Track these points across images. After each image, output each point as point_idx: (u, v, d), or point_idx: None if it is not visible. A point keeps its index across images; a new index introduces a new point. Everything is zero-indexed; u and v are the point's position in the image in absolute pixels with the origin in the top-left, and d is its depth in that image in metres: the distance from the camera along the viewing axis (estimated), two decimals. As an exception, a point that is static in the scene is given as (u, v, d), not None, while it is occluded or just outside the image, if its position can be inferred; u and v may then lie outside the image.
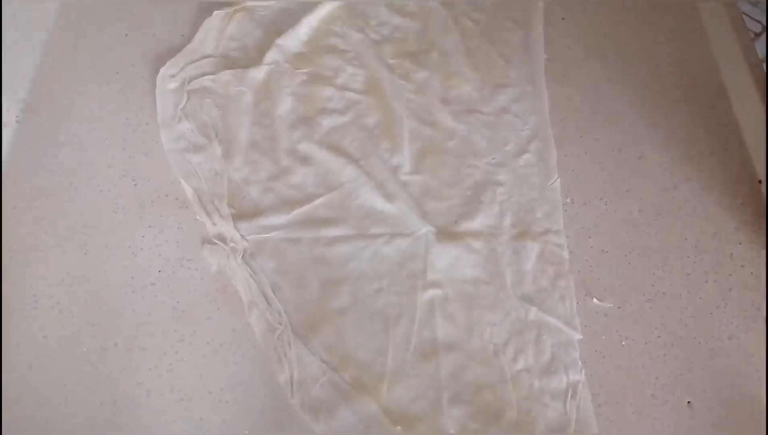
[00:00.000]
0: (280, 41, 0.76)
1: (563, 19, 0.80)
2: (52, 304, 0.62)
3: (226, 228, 0.65)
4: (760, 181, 0.68)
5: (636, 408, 0.58)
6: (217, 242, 0.65)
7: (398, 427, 0.56)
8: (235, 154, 0.70)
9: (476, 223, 0.66)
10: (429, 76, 0.75)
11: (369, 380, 0.59)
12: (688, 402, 0.59)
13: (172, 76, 0.74)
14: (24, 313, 0.61)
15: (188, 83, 0.73)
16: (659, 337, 0.61)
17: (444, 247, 0.65)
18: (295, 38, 0.77)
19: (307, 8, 0.78)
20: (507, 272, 0.64)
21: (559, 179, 0.68)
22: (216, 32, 0.77)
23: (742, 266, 0.64)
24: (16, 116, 0.71)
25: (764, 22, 1.43)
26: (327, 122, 0.72)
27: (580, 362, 0.60)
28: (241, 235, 0.65)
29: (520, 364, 0.59)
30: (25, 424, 0.57)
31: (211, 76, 0.74)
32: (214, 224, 0.66)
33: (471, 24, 0.79)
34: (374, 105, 0.73)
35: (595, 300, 0.63)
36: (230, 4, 0.79)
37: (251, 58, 0.76)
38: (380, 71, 0.75)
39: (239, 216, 0.66)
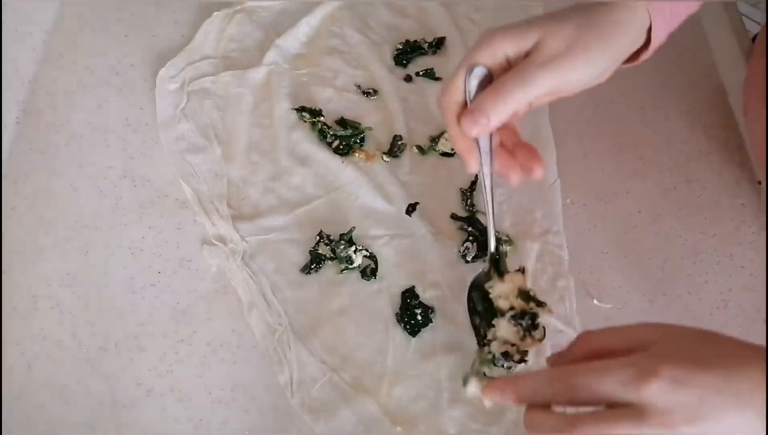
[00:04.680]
0: (279, 42, 0.76)
1: (563, 20, 0.80)
2: (52, 304, 0.62)
3: (226, 229, 0.65)
4: (759, 182, 0.68)
5: (636, 408, 0.58)
6: (217, 243, 0.65)
7: (398, 428, 0.56)
8: (234, 155, 0.70)
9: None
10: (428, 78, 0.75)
11: (369, 380, 0.59)
12: (688, 402, 0.59)
13: (172, 77, 0.74)
14: (24, 313, 0.61)
15: (188, 84, 0.73)
16: (659, 337, 0.61)
17: (443, 247, 0.65)
18: (295, 39, 0.77)
19: (307, 9, 0.78)
20: (507, 273, 0.64)
21: (558, 180, 0.68)
22: (216, 33, 0.77)
23: (741, 267, 0.64)
24: (16, 117, 0.71)
25: (764, 24, 1.43)
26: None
27: (579, 363, 0.60)
28: (241, 236, 0.65)
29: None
30: (25, 424, 0.57)
31: (211, 78, 0.74)
32: (213, 225, 0.66)
33: (470, 25, 0.79)
34: (374, 106, 0.73)
35: (594, 301, 0.63)
36: (230, 5, 0.79)
37: (251, 59, 0.76)
38: (380, 72, 0.75)
39: (239, 217, 0.66)
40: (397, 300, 0.62)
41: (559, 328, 0.61)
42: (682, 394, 0.39)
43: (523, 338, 0.52)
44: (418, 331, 0.61)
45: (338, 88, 0.74)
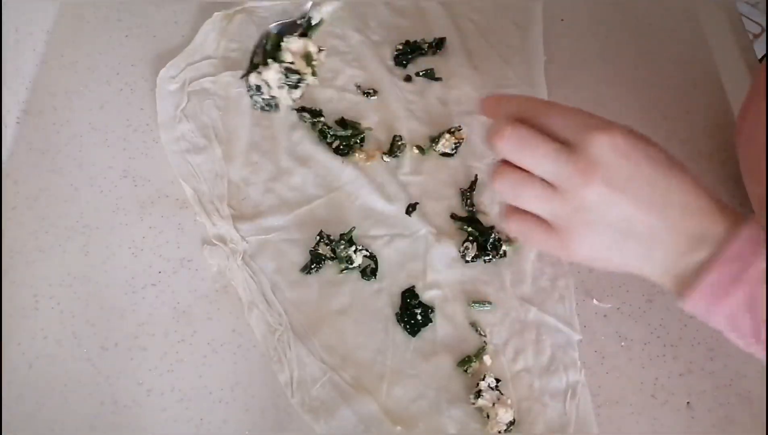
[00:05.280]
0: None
1: (562, 20, 0.80)
2: (53, 304, 0.62)
3: (226, 229, 0.65)
4: None
5: (635, 408, 0.59)
6: (217, 243, 0.65)
7: (398, 427, 0.56)
8: (235, 155, 0.70)
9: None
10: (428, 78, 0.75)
11: (369, 380, 0.59)
12: (688, 402, 0.59)
13: (173, 77, 0.74)
14: (24, 313, 0.61)
15: (188, 84, 0.73)
16: (659, 337, 0.61)
17: (443, 247, 0.65)
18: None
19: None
20: (506, 272, 0.64)
21: (558, 180, 0.68)
22: (216, 33, 0.77)
23: (741, 267, 0.64)
24: (16, 117, 0.71)
25: (763, 24, 1.43)
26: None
27: (579, 362, 0.60)
28: (241, 236, 0.65)
29: (520, 364, 0.60)
30: (25, 424, 0.57)
31: (211, 78, 0.74)
32: (214, 225, 0.66)
33: (470, 25, 0.79)
34: (374, 106, 0.73)
35: (594, 301, 0.63)
36: (230, 5, 0.79)
37: (251, 59, 0.76)
38: (380, 72, 0.75)
39: (239, 217, 0.66)
40: (397, 300, 0.62)
41: (559, 328, 0.61)
42: (623, 159, 0.39)
43: (281, 89, 0.60)
44: (418, 331, 0.61)
45: (338, 88, 0.74)
